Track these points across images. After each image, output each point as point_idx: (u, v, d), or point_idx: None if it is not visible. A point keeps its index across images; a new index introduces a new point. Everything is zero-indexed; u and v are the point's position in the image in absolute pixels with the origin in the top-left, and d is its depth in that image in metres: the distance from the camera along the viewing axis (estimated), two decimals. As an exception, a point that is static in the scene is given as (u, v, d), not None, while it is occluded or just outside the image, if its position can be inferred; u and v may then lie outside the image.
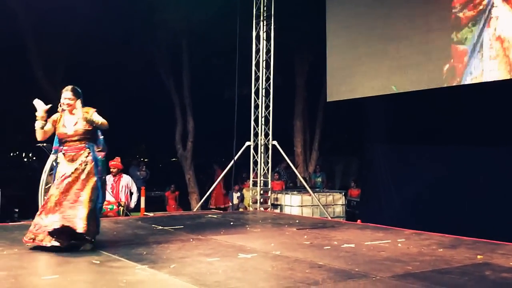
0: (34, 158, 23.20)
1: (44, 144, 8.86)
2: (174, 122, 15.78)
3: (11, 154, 24.46)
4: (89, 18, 13.68)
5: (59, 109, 5.42)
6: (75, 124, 5.32)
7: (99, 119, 5.34)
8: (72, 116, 5.36)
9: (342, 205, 11.08)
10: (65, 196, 5.17)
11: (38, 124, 5.30)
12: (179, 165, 16.13)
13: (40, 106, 5.31)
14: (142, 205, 9.62)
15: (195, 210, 12.27)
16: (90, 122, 5.29)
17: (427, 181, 8.93)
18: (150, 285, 4.00)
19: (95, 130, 5.41)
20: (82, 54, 14.51)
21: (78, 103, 5.33)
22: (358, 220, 8.99)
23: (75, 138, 5.32)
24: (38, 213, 5.26)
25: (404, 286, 4.11)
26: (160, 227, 7.01)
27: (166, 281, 4.12)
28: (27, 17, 13.55)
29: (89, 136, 5.35)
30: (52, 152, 5.57)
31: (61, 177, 5.25)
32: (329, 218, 9.64)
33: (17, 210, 11.06)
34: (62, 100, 5.36)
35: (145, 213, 9.27)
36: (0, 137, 20.58)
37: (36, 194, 9.06)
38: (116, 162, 8.78)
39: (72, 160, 5.29)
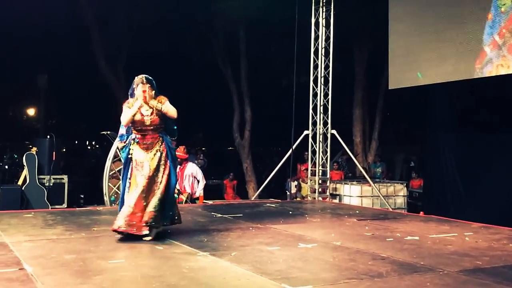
0: (97, 146, 24.09)
1: (108, 132, 9.16)
2: (231, 111, 15.87)
3: (76, 142, 25.49)
4: (149, 8, 13.97)
5: (134, 98, 5.37)
6: (151, 114, 5.30)
7: (168, 109, 5.29)
8: (148, 105, 5.31)
9: (403, 196, 10.79)
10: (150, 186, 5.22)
11: (132, 112, 5.27)
12: (236, 154, 16.24)
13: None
14: (201, 193, 9.72)
15: (253, 198, 12.32)
16: (160, 111, 5.28)
17: (496, 172, 8.49)
18: (212, 272, 4.01)
19: (168, 119, 5.39)
20: (143, 43, 14.84)
21: (152, 92, 5.32)
22: (421, 212, 8.70)
23: (151, 127, 5.31)
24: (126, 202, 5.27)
25: (474, 281, 3.91)
26: (220, 215, 7.06)
27: (227, 269, 4.13)
28: (91, 8, 13.97)
29: (163, 126, 5.38)
30: (118, 138, 5.65)
31: (140, 164, 5.27)
32: (390, 210, 9.41)
33: (82, 196, 11.48)
34: (137, 90, 5.32)
35: (204, 201, 9.37)
36: (65, 125, 21.53)
37: (100, 180, 9.39)
38: (180, 152, 8.77)
39: (147, 149, 5.30)
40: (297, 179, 12.96)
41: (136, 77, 5.38)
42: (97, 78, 15.34)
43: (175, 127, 5.57)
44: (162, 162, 5.30)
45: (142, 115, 5.30)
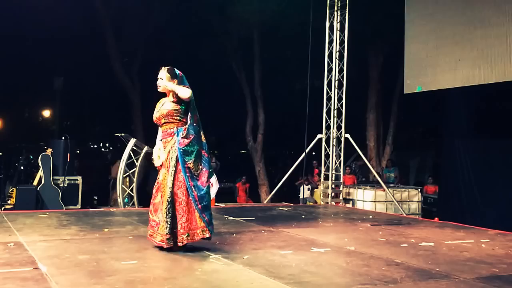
0: (111, 148, 24.23)
1: (123, 134, 9.19)
2: (244, 114, 15.87)
3: (90, 144, 25.67)
4: (164, 12, 14.03)
5: None
6: (162, 105, 4.67)
7: (178, 89, 4.50)
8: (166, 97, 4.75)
9: (418, 201, 10.68)
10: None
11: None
12: (249, 157, 16.22)
13: None
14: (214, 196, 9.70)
15: (265, 202, 12.29)
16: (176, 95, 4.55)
17: (512, 178, 8.39)
18: (224, 275, 4.00)
19: (185, 110, 4.63)
20: (157, 47, 14.90)
21: (170, 83, 4.64)
22: (436, 218, 8.62)
23: (163, 121, 4.65)
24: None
25: (491, 289, 3.86)
26: (232, 218, 7.04)
27: (240, 272, 4.11)
28: (106, 11, 14.07)
29: (177, 118, 4.61)
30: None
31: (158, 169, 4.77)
32: (404, 215, 9.32)
33: (96, 197, 11.53)
34: None
35: (216, 204, 9.37)
36: (80, 128, 21.71)
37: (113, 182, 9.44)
38: None
39: (165, 148, 4.69)
40: (310, 183, 12.90)
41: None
42: (112, 81, 15.44)
43: (190, 124, 4.69)
44: (172, 166, 4.61)
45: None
